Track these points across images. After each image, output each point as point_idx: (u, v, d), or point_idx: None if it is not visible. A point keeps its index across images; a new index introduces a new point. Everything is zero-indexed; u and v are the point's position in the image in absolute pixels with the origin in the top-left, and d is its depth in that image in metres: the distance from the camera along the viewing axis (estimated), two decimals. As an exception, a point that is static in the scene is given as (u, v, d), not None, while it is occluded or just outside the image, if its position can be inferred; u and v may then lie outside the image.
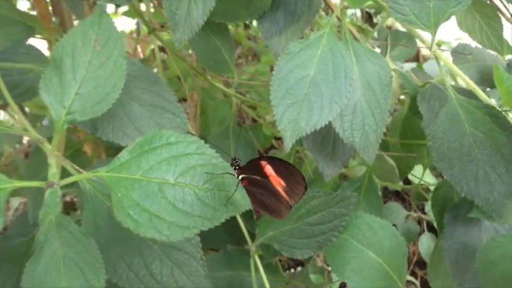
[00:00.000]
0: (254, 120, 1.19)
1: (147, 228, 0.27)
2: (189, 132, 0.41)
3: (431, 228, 1.12)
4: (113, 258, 0.36)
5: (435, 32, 0.41)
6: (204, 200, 0.29)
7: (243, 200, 0.30)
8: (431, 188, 0.66)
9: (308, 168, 0.67)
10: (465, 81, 0.43)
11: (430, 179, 1.03)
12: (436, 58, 0.44)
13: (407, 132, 0.57)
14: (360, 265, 0.45)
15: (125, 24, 1.28)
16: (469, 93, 0.47)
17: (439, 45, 1.52)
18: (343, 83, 0.39)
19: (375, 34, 0.80)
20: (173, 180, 0.29)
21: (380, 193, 0.56)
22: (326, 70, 0.39)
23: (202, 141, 0.30)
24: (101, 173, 0.29)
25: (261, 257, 0.51)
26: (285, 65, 0.39)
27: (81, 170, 0.37)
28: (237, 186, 0.30)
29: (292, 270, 1.04)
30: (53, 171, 0.32)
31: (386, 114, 0.42)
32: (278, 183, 0.29)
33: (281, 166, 0.29)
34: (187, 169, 0.29)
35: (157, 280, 0.37)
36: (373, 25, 1.36)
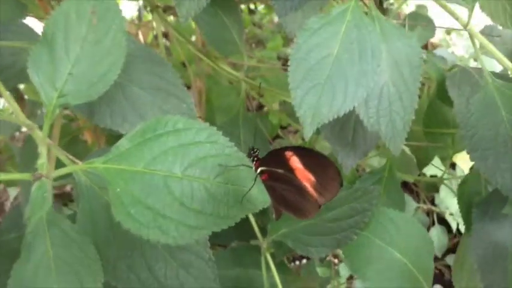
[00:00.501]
0: (258, 109, 1.14)
1: (151, 229, 0.23)
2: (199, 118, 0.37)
3: (441, 221, 1.09)
4: (112, 258, 0.32)
5: (473, 8, 0.37)
6: (217, 196, 0.25)
7: (261, 196, 0.26)
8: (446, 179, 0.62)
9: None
10: (504, 64, 0.39)
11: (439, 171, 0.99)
12: (471, 37, 0.39)
13: (431, 121, 0.53)
14: (382, 265, 0.41)
15: (125, 10, 1.24)
16: (503, 78, 0.43)
17: (448, 33, 1.47)
18: (370, 64, 0.35)
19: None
20: (181, 173, 0.25)
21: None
22: (351, 49, 0.35)
23: (215, 128, 0.26)
24: (96, 164, 0.25)
25: (272, 255, 0.48)
26: (304, 43, 0.35)
27: (76, 161, 0.33)
28: (255, 180, 0.26)
29: (297, 262, 1.01)
30: (42, 162, 0.28)
31: (415, 100, 0.38)
32: (306, 178, 0.25)
33: (311, 158, 0.25)
34: (197, 160, 0.25)
35: (161, 283, 0.33)
36: (383, 11, 1.32)
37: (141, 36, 1.10)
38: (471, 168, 0.50)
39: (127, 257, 0.32)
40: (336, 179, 0.25)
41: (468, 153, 0.40)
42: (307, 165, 0.25)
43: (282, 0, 0.42)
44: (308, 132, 0.34)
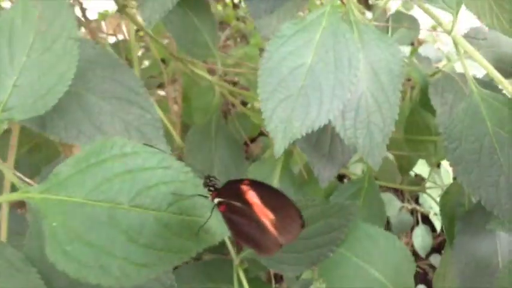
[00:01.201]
0: (243, 105, 1.11)
1: (91, 269, 0.20)
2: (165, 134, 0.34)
3: (425, 220, 1.08)
4: (64, 285, 0.29)
5: (457, 12, 0.34)
6: (170, 228, 0.22)
7: (220, 228, 0.23)
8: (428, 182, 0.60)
9: (299, 163, 0.60)
10: (490, 72, 0.37)
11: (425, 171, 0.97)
12: (456, 44, 0.37)
13: (412, 128, 0.50)
14: (360, 285, 0.39)
15: (109, 3, 1.20)
16: (488, 86, 0.40)
17: (434, 28, 1.45)
18: (347, 74, 0.32)
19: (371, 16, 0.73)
20: (127, 203, 0.22)
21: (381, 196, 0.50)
22: (326, 58, 0.32)
23: (167, 153, 0.23)
24: (32, 193, 0.22)
25: (246, 270, 0.45)
26: (276, 51, 0.32)
27: (26, 180, 0.30)
28: (212, 210, 0.23)
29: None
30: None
31: (395, 111, 0.36)
32: (264, 214, 0.22)
33: (269, 194, 0.22)
34: (146, 188, 0.22)
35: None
36: (368, 7, 1.29)
37: (124, 29, 1.06)
38: (454, 178, 0.48)
39: (79, 285, 0.29)
40: (297, 221, 0.22)
41: (450, 166, 0.38)
42: (265, 201, 0.22)
43: (256, 2, 0.39)
44: (279, 149, 0.31)
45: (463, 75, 0.45)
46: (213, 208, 0.23)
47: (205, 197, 0.23)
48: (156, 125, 0.35)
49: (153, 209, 0.22)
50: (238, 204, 0.22)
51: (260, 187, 0.22)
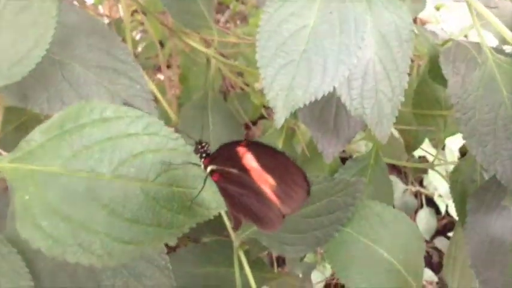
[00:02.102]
0: (242, 88, 1.09)
1: (69, 246, 0.18)
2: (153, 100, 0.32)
3: (429, 202, 1.07)
4: (48, 269, 0.27)
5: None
6: (158, 200, 0.20)
7: (215, 200, 0.21)
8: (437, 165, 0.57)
9: (302, 142, 0.58)
10: (505, 35, 0.34)
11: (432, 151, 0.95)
12: (469, 6, 0.34)
13: (421, 101, 0.48)
14: (367, 265, 0.36)
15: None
16: (502, 53, 0.38)
17: (437, 8, 1.41)
18: (353, 37, 0.30)
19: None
20: (110, 173, 0.19)
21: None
22: (330, 19, 0.30)
23: (155, 117, 0.20)
24: (2, 163, 0.19)
25: (247, 252, 0.43)
26: (276, 12, 0.30)
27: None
28: (205, 180, 0.21)
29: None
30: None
31: (405, 79, 0.33)
32: (264, 180, 0.20)
33: (269, 156, 0.20)
34: (131, 157, 0.20)
35: (109, 295, 0.28)
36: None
37: (120, 8, 1.03)
38: (464, 154, 0.46)
39: (67, 265, 0.27)
40: (302, 185, 0.20)
41: (464, 138, 0.36)
42: (264, 165, 0.20)
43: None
44: (280, 119, 0.29)
45: (475, 44, 0.42)
46: (206, 177, 0.21)
47: (199, 165, 0.21)
48: (146, 97, 0.32)
49: (139, 179, 0.20)
50: (234, 171, 0.20)
51: (258, 148, 0.20)
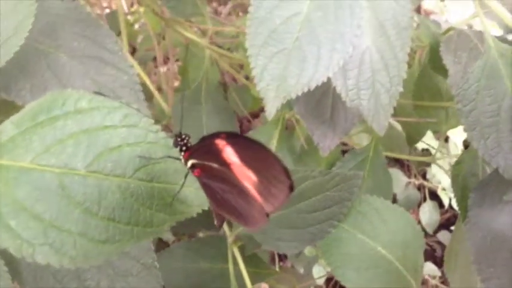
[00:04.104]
0: (237, 80, 1.07)
1: (38, 246, 0.17)
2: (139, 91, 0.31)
3: (432, 195, 1.05)
4: (31, 269, 0.26)
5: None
6: (137, 197, 0.19)
7: (197, 196, 0.20)
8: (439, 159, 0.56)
9: (300, 136, 0.57)
10: (508, 23, 0.33)
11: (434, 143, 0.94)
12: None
13: (422, 92, 0.46)
14: (364, 263, 0.35)
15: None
16: (505, 42, 0.36)
17: (442, -1, 1.39)
18: (348, 24, 0.28)
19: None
20: (84, 168, 0.18)
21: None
22: (325, 5, 0.28)
23: (133, 109, 0.19)
24: (-30, 158, 0.18)
25: (242, 247, 0.42)
26: (267, -2, 0.28)
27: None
28: (186, 175, 0.19)
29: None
30: None
31: (403, 69, 0.32)
32: (245, 176, 0.18)
33: (249, 150, 0.18)
34: (108, 151, 0.18)
35: (94, 295, 0.27)
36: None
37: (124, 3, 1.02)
38: (467, 147, 0.44)
39: (47, 268, 0.26)
40: (284, 181, 0.19)
41: (465, 131, 0.34)
42: (245, 159, 0.18)
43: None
44: (271, 110, 0.27)
45: (478, 33, 0.40)
46: (188, 173, 0.19)
47: (180, 160, 0.20)
48: (135, 88, 0.31)
49: (116, 175, 0.19)
50: (214, 165, 0.19)
51: (238, 141, 0.18)
